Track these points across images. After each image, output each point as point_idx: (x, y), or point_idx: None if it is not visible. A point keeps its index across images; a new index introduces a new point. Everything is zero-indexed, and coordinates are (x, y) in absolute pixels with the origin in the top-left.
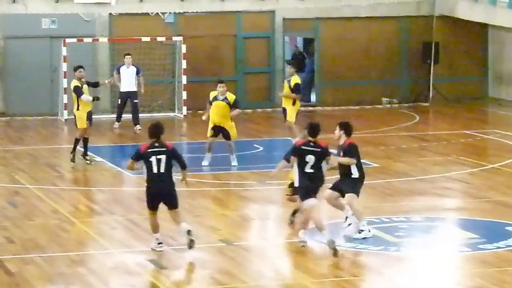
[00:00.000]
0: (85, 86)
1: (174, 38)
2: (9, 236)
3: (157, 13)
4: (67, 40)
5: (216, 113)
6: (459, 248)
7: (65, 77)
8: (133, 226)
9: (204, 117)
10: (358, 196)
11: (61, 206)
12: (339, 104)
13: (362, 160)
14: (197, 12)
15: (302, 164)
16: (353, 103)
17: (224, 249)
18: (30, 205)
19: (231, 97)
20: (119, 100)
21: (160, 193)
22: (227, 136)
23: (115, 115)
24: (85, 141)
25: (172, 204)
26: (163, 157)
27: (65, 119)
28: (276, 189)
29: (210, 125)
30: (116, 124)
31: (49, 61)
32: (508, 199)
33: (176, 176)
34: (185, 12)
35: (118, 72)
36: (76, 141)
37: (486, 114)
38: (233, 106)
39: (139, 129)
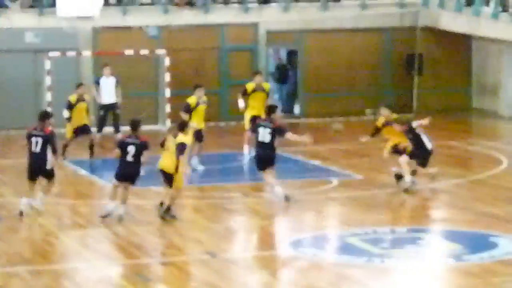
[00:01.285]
0: (82, 103)
1: (157, 51)
2: None
3: (140, 27)
4: (51, 54)
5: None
6: (443, 259)
7: (49, 91)
8: (118, 239)
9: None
10: None
11: (46, 220)
12: (323, 115)
13: (346, 171)
14: (180, 25)
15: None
16: (337, 114)
17: (210, 261)
18: (15, 219)
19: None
20: (101, 111)
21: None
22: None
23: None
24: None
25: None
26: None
27: None
28: (260, 201)
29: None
30: (98, 136)
31: (32, 75)
32: (492, 209)
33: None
34: (168, 25)
35: (98, 84)
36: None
37: (470, 125)
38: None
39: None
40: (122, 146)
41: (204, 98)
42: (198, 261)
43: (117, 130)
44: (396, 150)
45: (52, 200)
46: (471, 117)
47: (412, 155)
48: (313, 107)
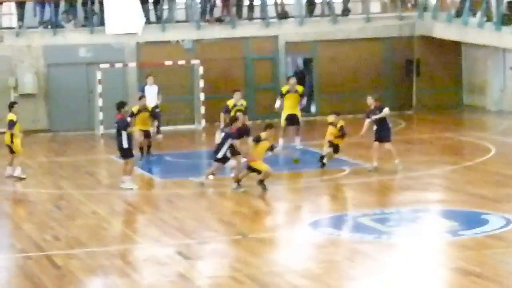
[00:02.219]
0: (144, 113)
1: (192, 62)
2: (56, 234)
3: (177, 41)
4: (101, 66)
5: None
6: (441, 235)
7: (100, 97)
8: (162, 223)
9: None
10: None
11: (100, 208)
12: None
13: (356, 161)
14: (211, 38)
15: None
16: (347, 112)
17: (241, 241)
18: (73, 207)
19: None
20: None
21: None
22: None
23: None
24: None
25: None
26: None
27: (101, 134)
28: (283, 188)
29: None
30: (159, 136)
31: (86, 84)
32: (483, 191)
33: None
34: (201, 39)
35: (143, 91)
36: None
37: (462, 119)
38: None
39: (161, 137)
40: None
41: (243, 101)
42: (231, 241)
43: (158, 129)
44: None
45: (106, 191)
46: (463, 112)
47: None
48: (326, 106)
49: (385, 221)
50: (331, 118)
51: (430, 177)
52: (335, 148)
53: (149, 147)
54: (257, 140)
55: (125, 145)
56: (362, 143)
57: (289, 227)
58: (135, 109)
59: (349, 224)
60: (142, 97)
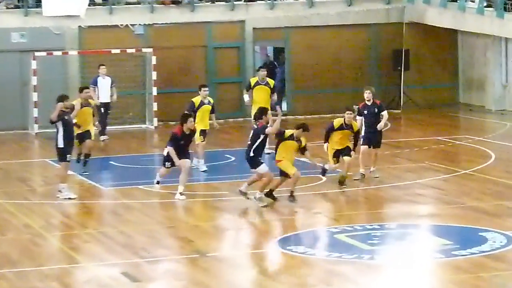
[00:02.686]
0: (86, 108)
1: (144, 50)
2: None
3: (127, 25)
4: (37, 54)
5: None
6: (433, 255)
7: (35, 91)
8: (106, 239)
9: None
10: None
11: (33, 221)
12: (310, 113)
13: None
14: (166, 23)
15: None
16: (325, 111)
17: (198, 260)
18: (1, 219)
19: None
20: (102, 110)
21: None
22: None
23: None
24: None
25: None
26: None
27: (36, 133)
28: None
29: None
30: (104, 137)
31: (19, 75)
32: (481, 204)
33: None
34: (154, 24)
35: (96, 84)
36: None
37: (457, 120)
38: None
39: (107, 139)
40: None
41: (210, 99)
42: (187, 260)
43: (102, 132)
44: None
45: (41, 200)
46: (458, 112)
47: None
48: (300, 104)
49: (367, 239)
50: (349, 119)
51: (420, 187)
52: (348, 151)
53: (87, 154)
54: (280, 135)
55: (60, 144)
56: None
57: (254, 244)
58: (76, 102)
59: (325, 241)
60: (83, 88)
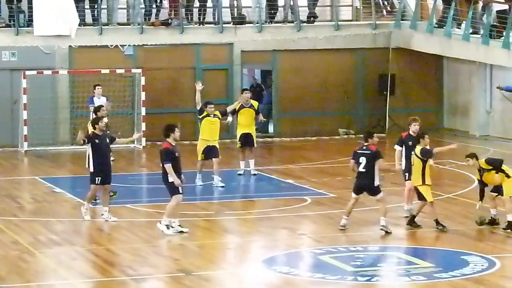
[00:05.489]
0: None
1: (134, 70)
2: None
3: (117, 46)
4: (27, 73)
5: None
6: (415, 277)
7: (25, 109)
8: (93, 257)
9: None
10: None
11: (21, 237)
12: (296, 135)
13: (320, 190)
14: (156, 44)
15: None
16: (311, 134)
17: (183, 279)
18: None
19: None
20: None
21: None
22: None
23: (73, 147)
24: None
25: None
26: None
27: (25, 151)
28: (235, 219)
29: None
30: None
31: (9, 93)
32: (463, 228)
33: None
34: (144, 45)
35: (93, 103)
36: None
37: (441, 145)
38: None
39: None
40: (355, 157)
41: (217, 112)
42: (172, 279)
43: None
44: None
45: (28, 217)
46: (443, 137)
47: None
48: (287, 127)
49: (350, 260)
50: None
51: (403, 211)
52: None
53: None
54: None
55: (91, 168)
56: (324, 169)
57: (239, 264)
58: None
59: (308, 262)
60: (100, 107)
